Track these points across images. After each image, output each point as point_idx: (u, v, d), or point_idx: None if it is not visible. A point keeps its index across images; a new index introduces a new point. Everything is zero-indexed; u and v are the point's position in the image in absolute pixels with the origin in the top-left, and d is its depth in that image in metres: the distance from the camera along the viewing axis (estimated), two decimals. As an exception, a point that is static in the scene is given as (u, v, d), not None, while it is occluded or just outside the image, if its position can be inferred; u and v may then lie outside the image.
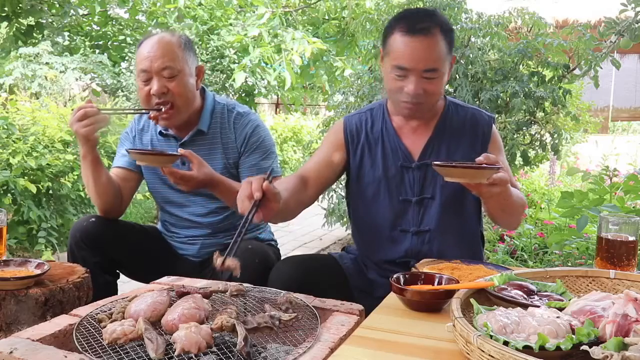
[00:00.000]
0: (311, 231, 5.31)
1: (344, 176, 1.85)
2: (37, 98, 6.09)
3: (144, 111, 1.89)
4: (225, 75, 7.66)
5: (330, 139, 1.78)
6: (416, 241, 1.66)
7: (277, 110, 12.75)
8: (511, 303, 1.05)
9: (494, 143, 1.70)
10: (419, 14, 1.60)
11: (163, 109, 1.84)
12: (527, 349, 0.83)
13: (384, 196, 1.69)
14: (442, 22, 1.58)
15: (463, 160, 1.59)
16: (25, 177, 3.79)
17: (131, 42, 8.29)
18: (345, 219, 4.00)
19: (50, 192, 4.02)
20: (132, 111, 1.87)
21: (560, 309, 0.99)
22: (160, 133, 2.00)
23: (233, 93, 7.64)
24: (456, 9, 3.61)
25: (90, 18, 8.10)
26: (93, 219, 1.91)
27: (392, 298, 1.25)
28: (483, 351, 0.83)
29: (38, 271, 1.56)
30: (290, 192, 1.56)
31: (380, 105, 1.78)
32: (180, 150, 1.71)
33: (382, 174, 1.69)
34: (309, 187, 1.68)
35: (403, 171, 1.68)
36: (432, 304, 1.19)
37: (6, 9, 5.47)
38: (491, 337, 0.87)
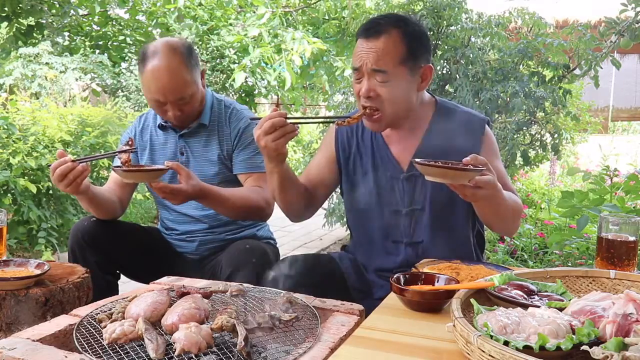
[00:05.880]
0: (311, 231, 5.31)
1: None
2: (37, 98, 6.08)
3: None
4: (225, 75, 7.65)
5: (326, 148, 1.78)
6: (410, 252, 1.65)
7: (277, 110, 12.73)
8: (511, 303, 1.05)
9: (487, 145, 1.64)
10: (379, 18, 1.58)
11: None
12: (527, 349, 0.83)
13: (376, 207, 1.68)
14: (405, 27, 1.54)
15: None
16: (25, 177, 3.79)
17: (131, 42, 8.27)
18: (345, 219, 3.98)
19: (50, 192, 4.02)
20: None
21: (561, 309, 0.99)
22: (160, 126, 2.04)
23: (233, 93, 7.64)
24: (456, 9, 3.60)
25: (90, 18, 8.08)
26: (93, 219, 1.92)
27: (392, 298, 1.25)
28: (483, 351, 0.83)
29: (38, 271, 1.56)
30: (297, 188, 1.64)
31: None
32: (167, 163, 1.70)
33: (373, 185, 1.67)
34: (317, 189, 1.73)
35: (393, 182, 1.66)
36: (432, 304, 1.19)
37: (6, 9, 5.45)
38: (491, 337, 0.87)
